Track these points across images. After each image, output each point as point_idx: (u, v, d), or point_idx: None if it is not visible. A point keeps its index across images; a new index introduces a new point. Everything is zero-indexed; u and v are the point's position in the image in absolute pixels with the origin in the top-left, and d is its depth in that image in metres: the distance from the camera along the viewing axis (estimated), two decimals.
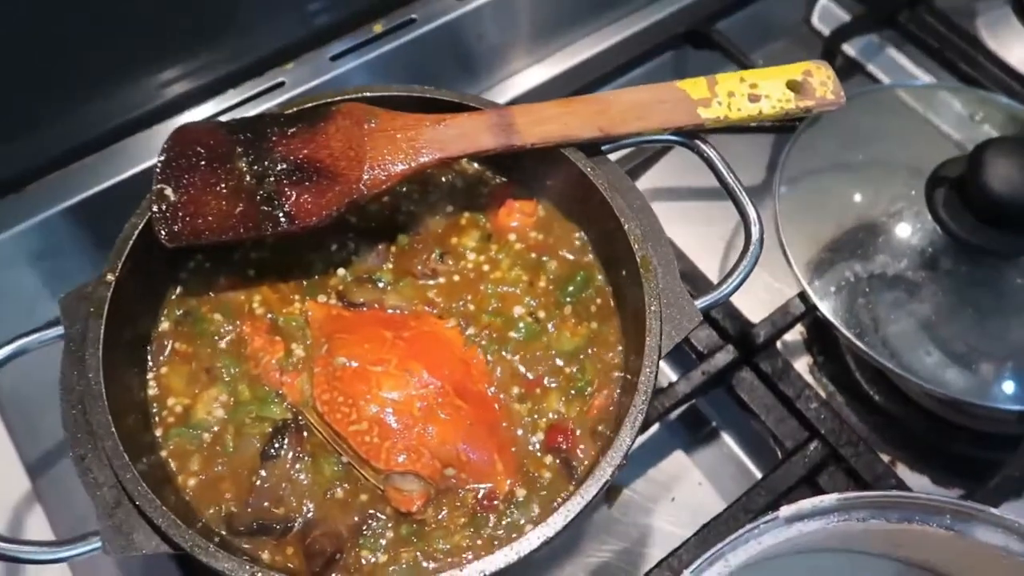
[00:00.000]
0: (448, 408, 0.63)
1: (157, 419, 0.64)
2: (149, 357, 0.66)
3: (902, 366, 0.80)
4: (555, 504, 0.61)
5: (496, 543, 0.59)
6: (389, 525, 0.61)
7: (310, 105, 0.70)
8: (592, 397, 0.65)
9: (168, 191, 0.64)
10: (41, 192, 0.81)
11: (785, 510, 0.53)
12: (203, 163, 0.65)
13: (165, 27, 0.78)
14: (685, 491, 0.87)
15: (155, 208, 0.63)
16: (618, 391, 0.65)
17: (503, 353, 0.67)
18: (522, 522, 0.61)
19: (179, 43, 0.80)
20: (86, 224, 0.83)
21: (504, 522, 0.61)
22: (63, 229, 0.82)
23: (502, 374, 0.66)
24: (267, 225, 0.64)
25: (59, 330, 0.62)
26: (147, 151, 0.83)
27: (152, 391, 0.65)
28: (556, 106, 0.69)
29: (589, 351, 0.67)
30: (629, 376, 0.64)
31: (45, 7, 0.70)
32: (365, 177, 0.65)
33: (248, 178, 0.65)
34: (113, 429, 0.57)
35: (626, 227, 0.65)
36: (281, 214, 0.64)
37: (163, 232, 0.63)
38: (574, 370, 0.67)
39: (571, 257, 0.71)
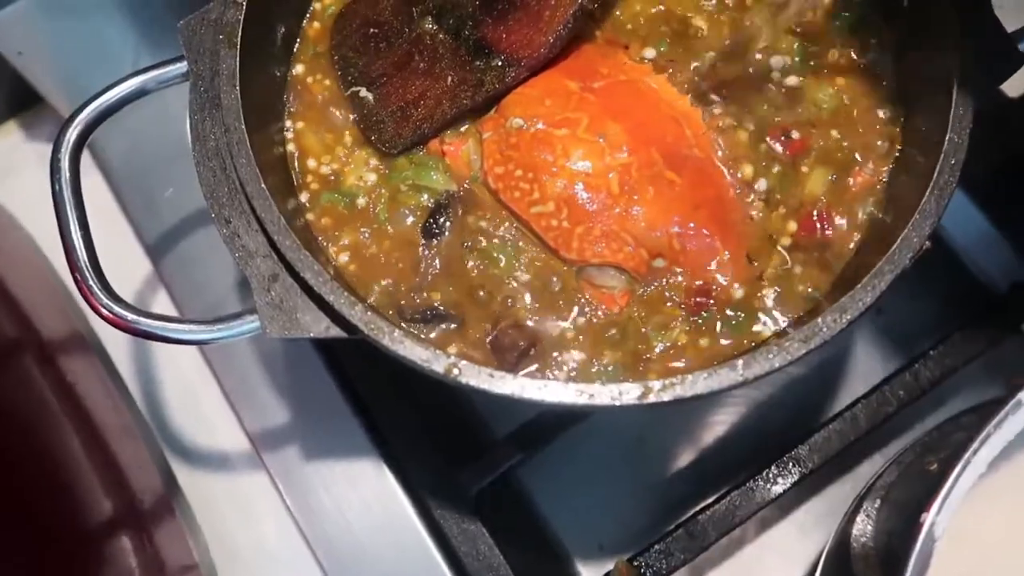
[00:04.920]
0: (657, 182, 0.49)
1: (300, 181, 0.52)
2: (287, 107, 0.54)
3: None
4: (806, 300, 0.48)
5: (729, 347, 0.48)
6: (584, 320, 0.49)
7: None
8: (854, 171, 0.50)
9: (363, 93, 0.53)
10: None
11: None
12: (384, 44, 0.54)
13: None
14: (894, 303, 0.73)
15: (357, 116, 0.53)
16: (889, 163, 0.50)
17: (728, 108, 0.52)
18: (757, 325, 0.48)
19: None
20: None
21: (734, 323, 0.48)
22: None
23: (727, 138, 0.52)
24: (490, 81, 0.51)
25: (182, 66, 0.49)
26: None
27: (291, 147, 0.53)
28: None
29: (847, 112, 0.52)
30: (913, 140, 0.49)
31: None
32: None
33: (443, 36, 0.53)
34: (263, 184, 0.45)
35: None
36: (499, 61, 0.51)
37: (380, 143, 0.52)
38: (826, 134, 0.51)
39: None
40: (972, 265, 0.72)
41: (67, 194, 0.47)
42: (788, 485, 0.59)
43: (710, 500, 0.60)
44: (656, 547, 0.57)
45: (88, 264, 0.45)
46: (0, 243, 0.65)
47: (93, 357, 0.65)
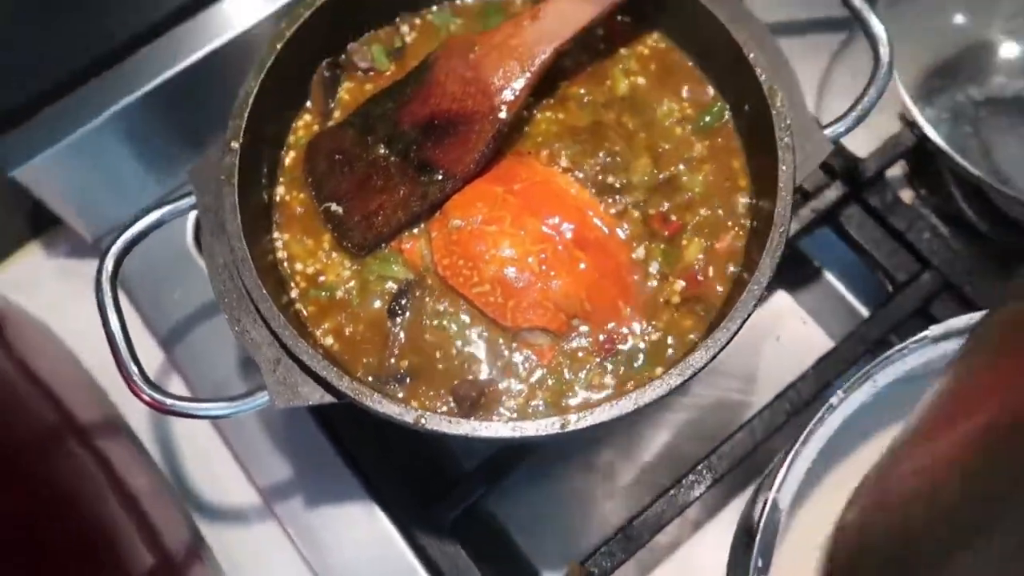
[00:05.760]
0: (569, 261, 0.63)
1: (291, 281, 0.66)
2: (275, 222, 0.67)
3: (1015, 189, 0.78)
4: (691, 342, 0.62)
5: (631, 383, 0.61)
6: (521, 372, 0.62)
7: (413, 67, 0.69)
8: (718, 238, 0.65)
9: (334, 207, 0.66)
10: (116, 80, 0.79)
11: (934, 329, 0.54)
12: (347, 168, 0.66)
13: None
14: (789, 331, 0.88)
15: (331, 226, 0.66)
16: (747, 230, 0.65)
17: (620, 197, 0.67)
18: (655, 364, 0.62)
19: None
20: (161, 111, 0.81)
21: (635, 363, 0.62)
22: (141, 116, 0.80)
23: (622, 221, 0.66)
24: (433, 192, 0.65)
25: (190, 200, 0.63)
26: (203, 37, 0.79)
27: (280, 254, 0.66)
28: None
29: (715, 192, 0.66)
30: (758, 212, 0.64)
31: None
32: (496, 103, 0.63)
33: (393, 158, 0.66)
34: (265, 291, 0.58)
35: (751, 57, 0.62)
36: (439, 174, 0.64)
37: (351, 247, 0.65)
38: (697, 212, 0.66)
39: (692, 94, 0.69)
40: (848, 293, 0.88)
41: (110, 310, 0.59)
42: (703, 489, 0.72)
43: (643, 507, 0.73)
44: (601, 550, 0.70)
45: (132, 362, 0.58)
46: (37, 346, 0.77)
47: (122, 435, 0.77)
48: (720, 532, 0.80)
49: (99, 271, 0.60)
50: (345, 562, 0.75)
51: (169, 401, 0.58)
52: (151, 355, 0.82)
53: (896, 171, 0.92)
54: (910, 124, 0.83)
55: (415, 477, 0.75)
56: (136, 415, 0.81)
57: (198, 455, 0.80)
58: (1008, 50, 0.85)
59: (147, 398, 0.58)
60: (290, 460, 0.77)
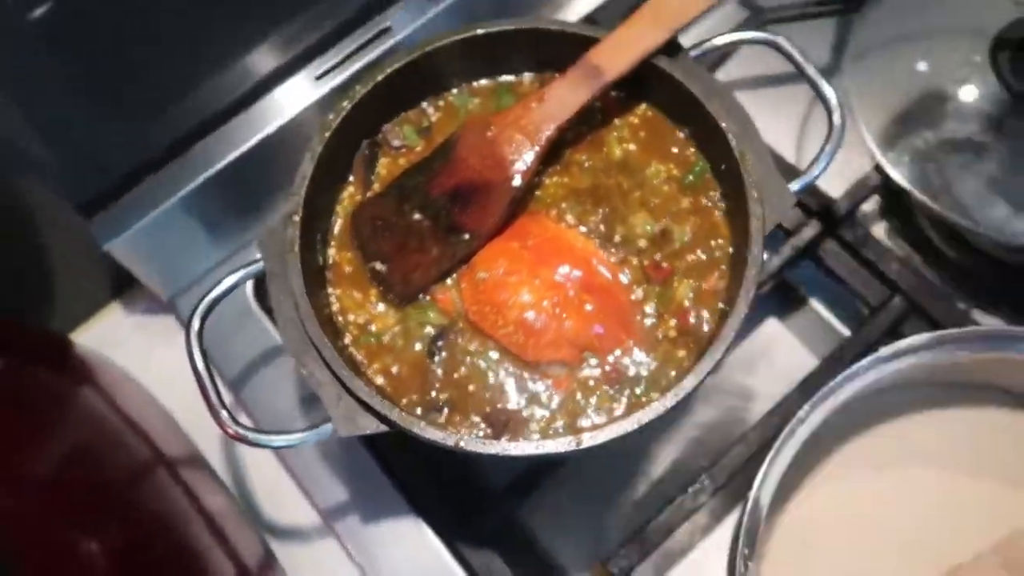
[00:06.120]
0: (578, 304, 0.74)
1: (346, 331, 0.77)
2: (329, 280, 0.79)
3: (973, 220, 0.88)
4: (685, 369, 0.73)
5: (635, 406, 0.72)
6: (543, 399, 0.73)
7: (438, 144, 0.80)
8: (705, 280, 0.76)
9: (378, 266, 0.77)
10: (185, 166, 0.90)
11: (884, 350, 0.64)
12: (387, 232, 0.77)
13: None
14: (781, 353, 0.99)
15: (377, 282, 0.77)
16: (728, 271, 0.75)
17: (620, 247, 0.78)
18: (654, 389, 0.72)
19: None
20: (223, 189, 0.92)
21: (637, 389, 0.73)
22: (207, 194, 0.91)
23: (623, 267, 0.77)
24: (461, 250, 0.76)
25: (260, 266, 0.75)
26: (256, 126, 0.91)
27: (335, 307, 0.78)
28: (623, 28, 0.76)
29: (700, 240, 0.78)
30: (737, 256, 0.75)
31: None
32: (511, 173, 0.75)
33: (426, 223, 0.77)
34: (327, 340, 0.70)
35: (723, 126, 0.74)
36: (466, 235, 0.76)
37: (394, 299, 0.76)
38: (685, 258, 0.77)
39: (677, 157, 0.80)
40: (831, 317, 0.98)
41: (198, 359, 0.71)
42: (707, 497, 0.81)
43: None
44: (620, 552, 0.80)
45: (219, 403, 0.70)
46: (125, 391, 0.90)
47: (201, 465, 0.88)
48: (727, 536, 0.90)
49: (188, 327, 0.72)
50: (397, 573, 0.86)
51: (251, 434, 0.69)
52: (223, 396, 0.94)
53: (872, 205, 1.03)
54: (877, 166, 0.94)
55: (455, 496, 0.86)
56: (211, 451, 0.93)
57: (265, 482, 0.92)
58: (966, 93, 0.96)
59: (232, 432, 0.69)
60: (346, 484, 0.88)
